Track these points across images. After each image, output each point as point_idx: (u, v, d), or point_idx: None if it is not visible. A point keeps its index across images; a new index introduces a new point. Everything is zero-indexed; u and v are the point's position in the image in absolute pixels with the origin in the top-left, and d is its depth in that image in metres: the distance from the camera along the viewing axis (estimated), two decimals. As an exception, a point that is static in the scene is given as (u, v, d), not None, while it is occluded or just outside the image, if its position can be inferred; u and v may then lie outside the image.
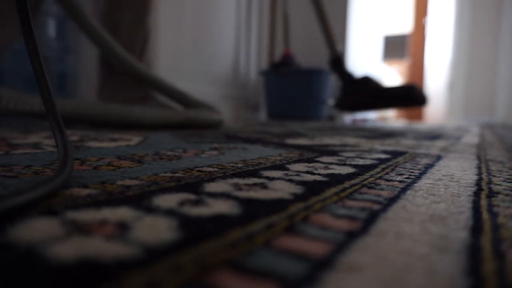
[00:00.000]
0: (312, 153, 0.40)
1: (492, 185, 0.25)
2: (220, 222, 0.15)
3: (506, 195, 0.22)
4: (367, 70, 2.18)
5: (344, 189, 0.22)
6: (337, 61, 1.15)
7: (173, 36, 1.31)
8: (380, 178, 0.26)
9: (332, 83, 1.69)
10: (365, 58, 2.13)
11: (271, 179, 0.25)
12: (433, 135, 0.82)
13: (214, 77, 1.59)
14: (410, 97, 1.11)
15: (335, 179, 0.25)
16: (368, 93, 1.13)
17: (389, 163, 0.34)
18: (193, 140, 0.52)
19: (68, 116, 0.59)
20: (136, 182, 0.22)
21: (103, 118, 0.63)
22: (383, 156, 0.40)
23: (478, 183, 0.26)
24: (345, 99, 1.16)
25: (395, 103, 1.11)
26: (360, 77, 1.20)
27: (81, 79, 1.10)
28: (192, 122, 0.76)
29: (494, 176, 0.29)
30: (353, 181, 0.25)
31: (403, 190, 0.22)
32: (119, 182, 0.22)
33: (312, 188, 0.22)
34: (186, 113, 0.76)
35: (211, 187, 0.21)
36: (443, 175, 0.28)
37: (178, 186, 0.21)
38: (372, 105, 1.14)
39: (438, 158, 0.40)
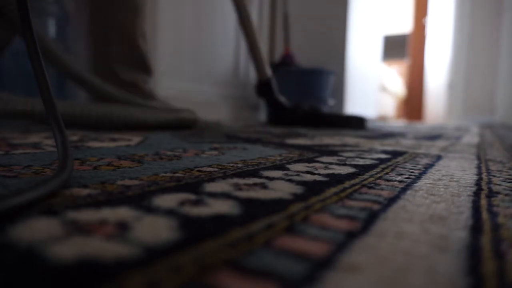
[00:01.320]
0: (312, 153, 0.40)
1: (492, 185, 0.25)
2: (220, 222, 0.15)
3: (506, 195, 0.22)
4: (367, 70, 2.18)
5: (344, 189, 0.22)
6: (266, 86, 1.06)
7: (173, 36, 1.31)
8: (380, 178, 0.26)
9: (332, 83, 1.69)
10: (365, 58, 2.14)
11: (271, 179, 0.25)
12: (433, 135, 0.82)
13: (214, 77, 1.59)
14: (347, 123, 1.10)
15: (335, 179, 0.25)
16: (300, 119, 1.10)
17: (389, 163, 0.34)
18: (193, 140, 0.52)
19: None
20: (136, 182, 0.22)
21: (97, 119, 0.63)
22: (383, 156, 0.40)
23: (478, 183, 0.26)
24: (278, 118, 1.13)
25: (331, 126, 1.09)
26: (292, 104, 1.15)
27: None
28: (185, 121, 0.76)
29: (494, 176, 0.29)
30: (353, 181, 0.25)
31: (403, 190, 0.22)
32: (119, 182, 0.22)
33: (312, 188, 0.22)
34: (179, 112, 0.76)
35: (211, 187, 0.21)
36: (443, 175, 0.28)
37: (178, 186, 0.21)
38: (304, 124, 1.09)
39: (438, 158, 0.40)
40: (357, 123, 1.10)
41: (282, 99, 1.09)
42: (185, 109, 0.80)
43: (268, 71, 1.06)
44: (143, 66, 0.85)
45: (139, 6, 0.82)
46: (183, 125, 0.77)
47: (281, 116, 1.08)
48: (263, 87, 1.05)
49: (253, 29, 1.11)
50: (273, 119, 1.11)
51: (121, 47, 0.81)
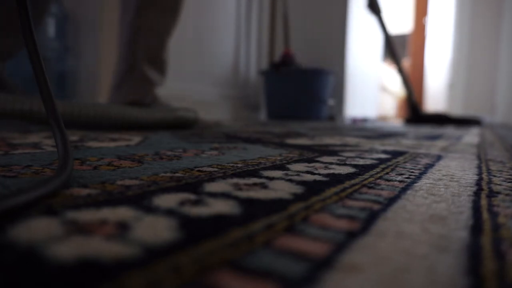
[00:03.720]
0: (312, 153, 0.40)
1: (492, 185, 0.25)
2: (220, 222, 0.15)
3: (506, 195, 0.22)
4: (367, 70, 2.18)
5: (344, 189, 0.22)
6: (415, 108, 1.80)
7: (173, 36, 1.31)
8: (380, 178, 0.26)
9: (332, 83, 1.69)
10: (365, 58, 2.13)
11: (271, 179, 0.25)
12: (433, 135, 0.82)
13: (214, 77, 1.59)
14: (468, 121, 1.67)
15: (335, 179, 0.25)
16: (434, 120, 1.72)
17: (389, 163, 0.34)
18: (193, 140, 0.52)
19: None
20: (136, 182, 0.22)
21: (94, 119, 0.63)
22: (383, 156, 0.40)
23: (478, 183, 0.26)
24: (416, 119, 1.78)
25: (456, 124, 1.66)
26: (431, 113, 1.82)
27: (81, 79, 1.10)
28: (185, 121, 0.77)
29: (494, 176, 0.29)
30: (353, 181, 0.25)
31: (403, 190, 0.22)
32: (119, 182, 0.22)
33: (312, 188, 0.22)
34: (180, 112, 0.76)
35: (211, 187, 0.21)
36: (443, 175, 0.28)
37: (178, 186, 0.21)
38: (437, 123, 1.67)
39: (439, 158, 0.40)
40: (475, 122, 1.68)
41: (420, 110, 1.84)
42: (185, 108, 0.80)
43: (414, 99, 1.86)
44: (162, 68, 0.86)
45: (177, 12, 0.83)
46: (184, 125, 0.77)
47: (419, 118, 1.76)
48: (413, 108, 1.80)
49: (408, 76, 1.91)
50: (411, 120, 1.77)
51: (149, 47, 0.82)
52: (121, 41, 0.83)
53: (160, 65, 0.85)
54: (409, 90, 1.83)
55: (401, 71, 1.82)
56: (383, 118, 2.94)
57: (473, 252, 0.13)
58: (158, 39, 0.83)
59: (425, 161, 0.37)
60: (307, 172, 0.28)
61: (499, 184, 0.25)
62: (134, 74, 0.82)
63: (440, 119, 1.70)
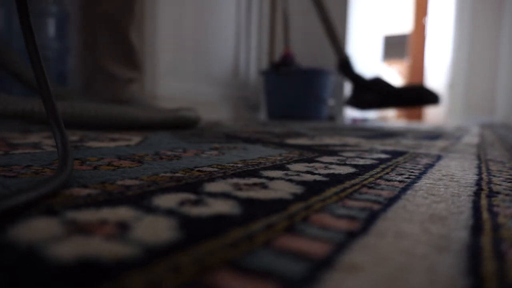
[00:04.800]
0: (312, 153, 0.40)
1: (492, 185, 0.25)
2: (220, 222, 0.15)
3: (506, 195, 0.22)
4: (367, 70, 2.18)
5: (344, 189, 0.22)
6: (345, 64, 1.23)
7: (173, 36, 1.31)
8: (380, 178, 0.26)
9: (332, 83, 1.69)
10: (365, 58, 2.13)
11: (271, 179, 0.25)
12: (433, 135, 0.82)
13: (214, 77, 1.59)
14: (422, 98, 1.21)
15: (335, 179, 0.25)
16: (379, 93, 1.22)
17: (389, 163, 0.34)
18: (193, 140, 0.52)
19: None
20: (136, 182, 0.22)
21: (95, 119, 0.62)
22: (383, 156, 0.40)
23: (478, 183, 0.26)
24: (357, 99, 1.27)
25: (407, 104, 1.21)
26: (371, 78, 1.27)
27: (81, 79, 1.10)
28: (186, 120, 0.76)
29: (494, 176, 0.29)
30: (353, 181, 0.25)
31: (403, 190, 0.22)
32: (119, 182, 0.22)
33: (312, 188, 0.22)
34: (178, 111, 0.76)
35: (211, 187, 0.21)
36: (443, 175, 0.28)
37: (178, 186, 0.21)
38: (383, 104, 1.23)
39: (438, 158, 0.40)
40: (433, 97, 1.21)
41: (360, 73, 1.26)
42: (187, 108, 0.80)
43: (345, 52, 1.26)
44: (131, 61, 0.81)
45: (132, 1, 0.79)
46: (185, 125, 0.77)
47: (361, 91, 1.23)
48: (343, 66, 1.23)
49: (330, 19, 1.29)
50: (353, 102, 1.27)
51: (109, 40, 0.78)
52: (79, 39, 0.78)
53: (128, 60, 0.80)
54: (338, 46, 1.28)
55: (323, 12, 1.32)
56: (383, 118, 2.94)
57: (473, 252, 0.13)
58: (117, 33, 0.77)
59: (425, 161, 0.37)
60: (307, 172, 0.28)
61: (499, 184, 0.25)
62: (98, 74, 0.77)
63: (386, 93, 1.23)
